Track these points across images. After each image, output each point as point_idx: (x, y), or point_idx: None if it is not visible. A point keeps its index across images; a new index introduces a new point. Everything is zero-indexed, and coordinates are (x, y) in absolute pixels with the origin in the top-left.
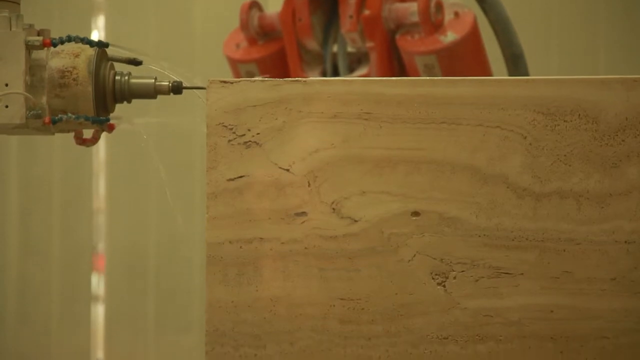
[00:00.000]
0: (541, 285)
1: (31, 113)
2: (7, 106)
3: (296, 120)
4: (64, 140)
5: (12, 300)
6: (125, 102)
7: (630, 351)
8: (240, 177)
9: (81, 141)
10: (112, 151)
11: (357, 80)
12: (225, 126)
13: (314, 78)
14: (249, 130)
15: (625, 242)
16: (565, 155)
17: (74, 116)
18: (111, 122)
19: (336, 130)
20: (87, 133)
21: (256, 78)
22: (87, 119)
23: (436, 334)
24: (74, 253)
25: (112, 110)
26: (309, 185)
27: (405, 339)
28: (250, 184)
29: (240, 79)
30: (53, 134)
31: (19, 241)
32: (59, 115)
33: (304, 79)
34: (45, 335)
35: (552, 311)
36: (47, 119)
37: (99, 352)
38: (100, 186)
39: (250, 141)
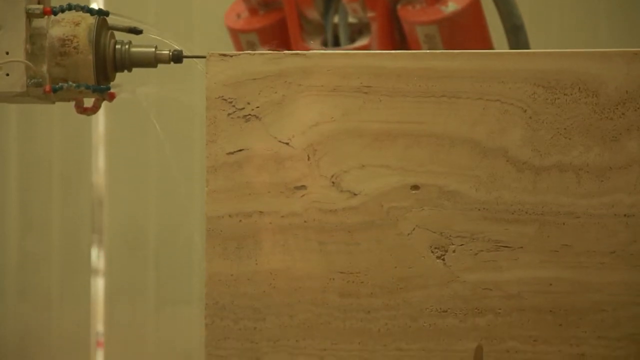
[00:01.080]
0: (540, 259)
1: (32, 81)
2: (7, 74)
3: (296, 93)
4: (62, 114)
5: (12, 275)
6: (125, 71)
7: (629, 324)
8: (240, 150)
9: (82, 110)
10: (111, 125)
11: (357, 53)
12: (225, 99)
13: (314, 51)
14: (249, 103)
15: (625, 215)
16: (565, 129)
17: (74, 85)
18: (112, 90)
19: (336, 104)
20: (88, 102)
21: (256, 51)
22: (87, 87)
23: (435, 307)
24: (74, 227)
25: (113, 79)
26: (308, 159)
27: (405, 312)
28: (250, 158)
29: (240, 52)
30: (54, 102)
31: (19, 215)
32: (60, 84)
33: (304, 52)
34: (45, 309)
35: (551, 284)
36: (47, 88)
37: (99, 326)
38: (100, 160)
39: (249, 115)
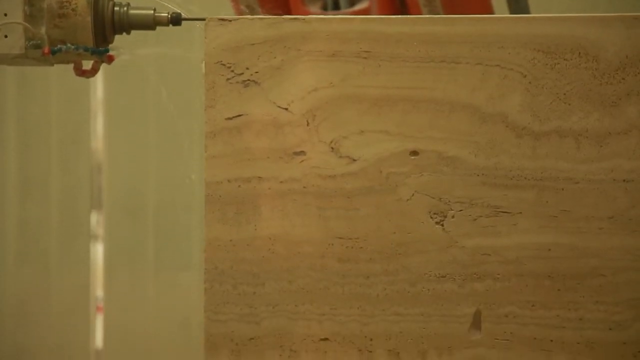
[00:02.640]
0: (539, 224)
1: (30, 43)
2: (6, 36)
3: (295, 58)
4: (61, 79)
5: (11, 240)
6: (124, 33)
7: (627, 289)
8: (239, 116)
9: (80, 72)
10: (109, 90)
11: (357, 18)
12: (224, 64)
13: (313, 16)
14: (248, 68)
15: (624, 180)
16: (564, 94)
17: (73, 46)
18: (110, 53)
19: (335, 69)
20: (87, 65)
21: (255, 16)
22: (86, 49)
23: (434, 272)
24: (73, 192)
25: (111, 41)
26: (307, 125)
27: (403, 278)
28: (249, 123)
29: (239, 16)
30: (52, 64)
31: (18, 181)
32: (58, 46)
33: (303, 17)
34: (45, 274)
35: (549, 249)
36: (46, 49)
37: (99, 291)
38: (99, 125)
39: (248, 80)
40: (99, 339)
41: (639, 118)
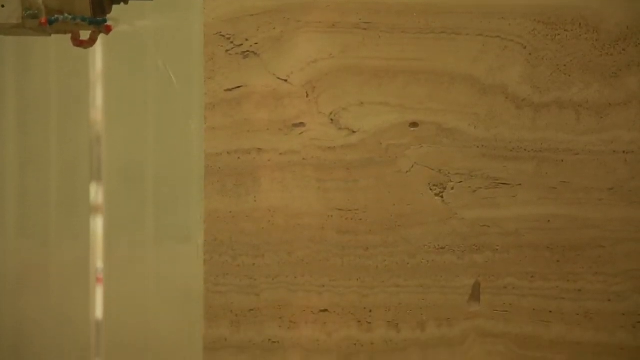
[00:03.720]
0: (539, 196)
1: (28, 13)
2: (3, 6)
3: (294, 30)
4: (59, 50)
5: (11, 211)
6: (122, 4)
7: (626, 260)
8: (238, 87)
9: (78, 43)
10: (108, 61)
11: None
12: (223, 36)
13: None
14: (247, 40)
15: (624, 152)
16: (565, 65)
17: (70, 16)
18: (108, 23)
19: (335, 40)
20: (85, 35)
21: None
22: (83, 19)
23: (433, 244)
24: (72, 164)
25: (109, 11)
26: (307, 96)
27: (403, 249)
28: (248, 95)
29: None
30: (50, 35)
31: (17, 152)
32: (56, 16)
33: None
34: (44, 245)
35: (549, 221)
36: (43, 19)
37: (98, 262)
38: (98, 96)
39: (248, 51)
40: (99, 310)
41: (639, 89)
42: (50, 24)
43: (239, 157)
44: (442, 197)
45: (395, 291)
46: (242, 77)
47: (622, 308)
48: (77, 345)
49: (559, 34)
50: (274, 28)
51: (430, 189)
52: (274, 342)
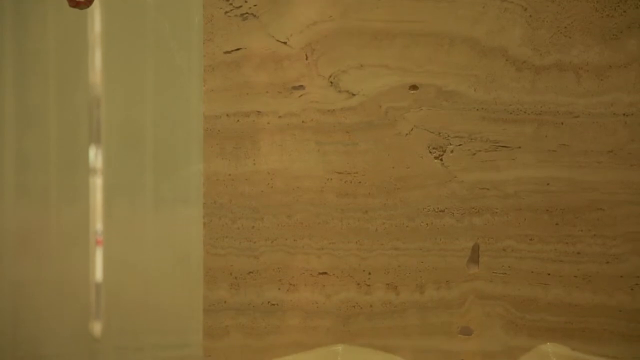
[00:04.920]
0: (538, 158)
1: None
2: None
3: None
4: (58, 12)
5: (10, 174)
6: None
7: (625, 222)
8: (237, 49)
9: (74, 3)
10: (107, 23)
11: None
12: None
13: None
14: (246, 1)
15: (624, 114)
16: (565, 27)
17: None
18: None
19: (334, 2)
20: None
21: None
22: None
23: (432, 206)
24: (71, 126)
25: None
26: (306, 59)
27: (402, 212)
28: (248, 57)
29: None
30: None
31: (16, 115)
32: None
33: None
34: (44, 208)
35: (548, 184)
36: None
37: (98, 224)
38: (96, 58)
39: (247, 13)
40: (98, 272)
41: (639, 51)
42: None
43: (238, 120)
44: (441, 160)
45: (394, 254)
46: (241, 40)
47: (620, 270)
48: (77, 308)
49: None
50: None
51: (430, 152)
52: (273, 304)
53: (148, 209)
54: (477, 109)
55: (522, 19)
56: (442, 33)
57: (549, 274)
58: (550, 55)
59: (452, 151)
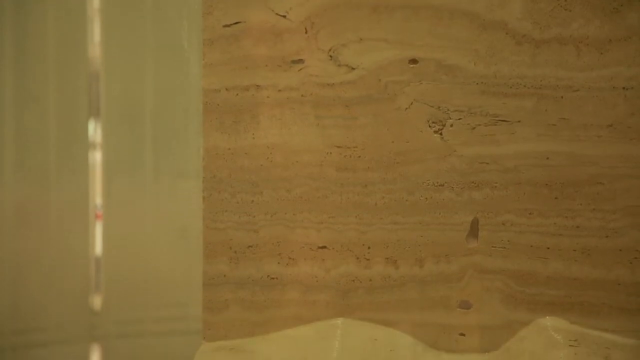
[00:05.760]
0: (538, 132)
1: None
2: None
3: None
4: None
5: (9, 148)
6: None
7: (624, 196)
8: (237, 23)
9: None
10: None
11: None
12: None
13: None
14: None
15: (624, 88)
16: (565, 1)
17: None
18: None
19: None
20: None
21: None
22: None
23: (432, 181)
24: (71, 100)
25: None
26: (306, 32)
27: (401, 186)
28: (247, 30)
29: None
30: None
31: (15, 89)
32: None
33: None
34: (43, 182)
35: (548, 158)
36: None
37: (97, 199)
38: (96, 31)
39: None
40: (98, 247)
41: (639, 24)
42: None
43: (237, 94)
44: (441, 134)
45: (393, 228)
46: (241, 13)
47: (620, 244)
48: (77, 281)
49: None
50: None
51: (429, 126)
52: (273, 278)
53: (147, 183)
54: (477, 83)
55: None
56: (441, 6)
57: (548, 248)
58: (551, 29)
59: (451, 125)
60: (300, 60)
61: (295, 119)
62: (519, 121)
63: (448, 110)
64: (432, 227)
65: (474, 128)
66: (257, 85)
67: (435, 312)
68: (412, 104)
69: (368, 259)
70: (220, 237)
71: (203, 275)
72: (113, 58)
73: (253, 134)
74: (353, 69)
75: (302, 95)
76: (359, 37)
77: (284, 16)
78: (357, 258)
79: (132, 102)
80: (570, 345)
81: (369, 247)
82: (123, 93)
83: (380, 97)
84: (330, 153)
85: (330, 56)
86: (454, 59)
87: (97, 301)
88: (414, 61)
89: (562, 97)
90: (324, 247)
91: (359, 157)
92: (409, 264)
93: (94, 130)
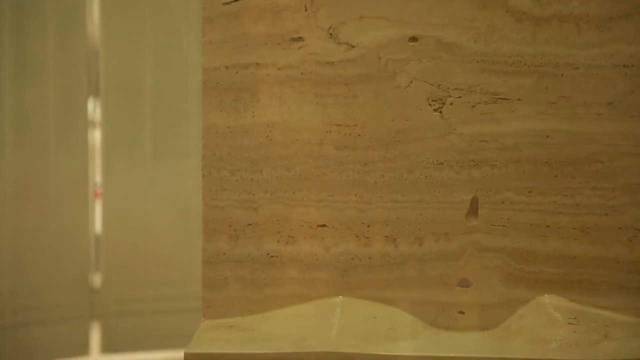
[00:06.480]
0: (538, 110)
1: None
2: None
3: None
4: None
5: (9, 126)
6: None
7: (624, 174)
8: (236, 0)
9: None
10: None
11: None
12: None
13: None
14: None
15: (624, 66)
16: None
17: None
18: None
19: None
20: None
21: None
22: None
23: (432, 159)
24: (70, 78)
25: None
26: (305, 10)
27: (401, 165)
28: (247, 8)
29: None
30: None
31: (13, 67)
32: None
33: None
34: (43, 160)
35: (547, 136)
36: None
37: (97, 176)
38: (95, 9)
39: None
40: (97, 225)
41: None
42: None
43: (237, 72)
44: (440, 112)
45: (393, 206)
46: None
47: (619, 222)
48: (76, 260)
49: None
50: None
51: (429, 104)
52: (272, 256)
53: (147, 161)
54: (477, 61)
55: None
56: None
57: (547, 226)
58: (551, 6)
59: (451, 103)
60: (300, 39)
61: (295, 97)
62: (519, 99)
63: (448, 88)
64: (431, 206)
65: (473, 106)
66: (257, 64)
67: (434, 290)
68: (412, 82)
69: (368, 237)
70: (219, 215)
71: (203, 253)
72: (112, 35)
73: (253, 112)
74: (353, 47)
75: (301, 74)
76: (359, 15)
77: None
78: (357, 236)
79: (132, 80)
80: (569, 323)
81: (368, 226)
82: (122, 71)
83: (380, 76)
84: (330, 131)
85: (330, 34)
86: (454, 37)
87: (96, 280)
88: (414, 39)
89: (562, 74)
90: (324, 225)
91: (359, 135)
92: (409, 242)
93: (94, 109)
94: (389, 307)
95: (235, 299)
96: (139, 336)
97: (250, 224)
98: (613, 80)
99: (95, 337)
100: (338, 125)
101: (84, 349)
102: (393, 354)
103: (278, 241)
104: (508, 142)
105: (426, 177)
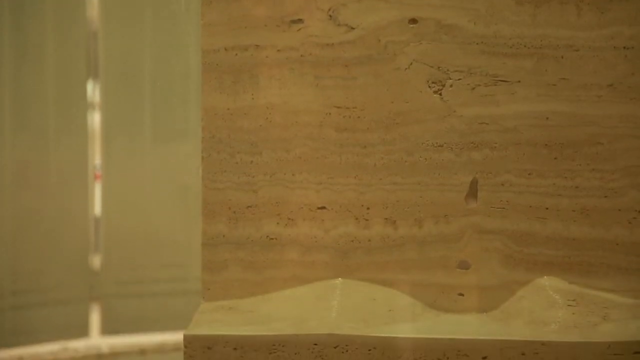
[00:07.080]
0: (538, 93)
1: None
2: None
3: None
4: None
5: (7, 109)
6: None
7: (625, 156)
8: None
9: None
10: None
11: None
12: None
13: None
14: None
15: (624, 47)
16: None
17: None
18: None
19: None
20: None
21: None
22: None
23: (431, 141)
24: (69, 60)
25: None
26: None
27: (401, 147)
28: None
29: None
30: None
31: (12, 49)
32: None
33: None
34: (42, 142)
35: (547, 118)
36: None
37: (97, 159)
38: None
39: None
40: (97, 207)
41: None
42: None
43: (236, 54)
44: (440, 94)
45: (392, 188)
46: None
47: (619, 204)
48: (76, 242)
49: None
50: None
51: (429, 86)
52: (272, 238)
53: (146, 144)
54: (477, 43)
55: None
56: None
57: (547, 208)
58: None
59: (451, 85)
60: (300, 20)
61: (295, 79)
62: (519, 81)
63: (448, 70)
64: (431, 188)
65: (473, 88)
66: (256, 45)
67: (434, 272)
68: (411, 64)
69: (367, 220)
70: (219, 197)
71: (202, 236)
72: (111, 17)
73: (252, 94)
74: (352, 28)
75: (301, 56)
76: None
77: None
78: (356, 218)
79: (131, 62)
80: (568, 305)
81: (368, 208)
82: (122, 53)
83: (379, 57)
84: (330, 113)
85: (330, 16)
86: (453, 18)
87: (96, 261)
88: (413, 21)
89: (562, 56)
90: (323, 207)
91: (359, 117)
92: (408, 224)
93: (93, 91)
94: (388, 289)
95: (235, 281)
96: (139, 318)
97: (250, 206)
98: (613, 62)
99: (94, 318)
100: (338, 107)
101: (84, 331)
102: (392, 335)
103: (277, 223)
104: (508, 124)
105: (426, 159)
